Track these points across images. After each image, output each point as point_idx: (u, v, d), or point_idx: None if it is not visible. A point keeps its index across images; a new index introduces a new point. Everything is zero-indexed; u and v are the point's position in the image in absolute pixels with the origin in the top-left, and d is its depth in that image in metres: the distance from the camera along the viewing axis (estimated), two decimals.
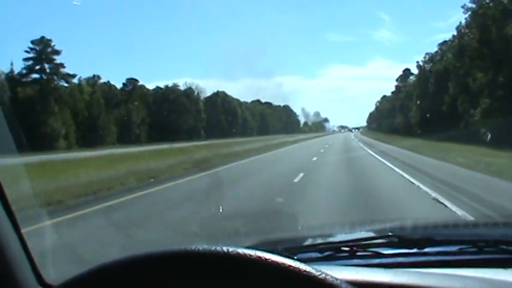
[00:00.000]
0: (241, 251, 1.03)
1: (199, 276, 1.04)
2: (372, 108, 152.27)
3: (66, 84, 62.08)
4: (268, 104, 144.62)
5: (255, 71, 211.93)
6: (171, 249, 1.06)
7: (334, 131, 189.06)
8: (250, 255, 1.02)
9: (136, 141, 73.90)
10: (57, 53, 59.53)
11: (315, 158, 26.46)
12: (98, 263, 1.09)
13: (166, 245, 1.13)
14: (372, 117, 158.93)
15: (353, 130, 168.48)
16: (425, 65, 67.15)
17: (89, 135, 63.02)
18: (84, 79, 74.53)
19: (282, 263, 1.01)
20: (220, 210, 9.52)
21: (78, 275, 1.09)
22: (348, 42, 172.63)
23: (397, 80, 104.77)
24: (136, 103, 75.03)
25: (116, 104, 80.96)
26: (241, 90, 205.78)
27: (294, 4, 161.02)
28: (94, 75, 78.02)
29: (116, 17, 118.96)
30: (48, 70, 58.17)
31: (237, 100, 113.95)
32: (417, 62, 68.67)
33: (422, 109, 64.91)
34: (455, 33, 51.53)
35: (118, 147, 54.70)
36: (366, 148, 38.92)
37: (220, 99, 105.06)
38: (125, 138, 71.98)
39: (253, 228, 7.55)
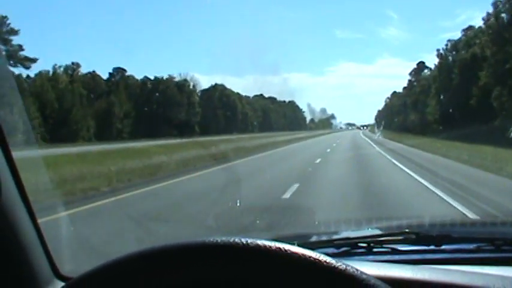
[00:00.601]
0: (260, 242, 1.01)
1: (218, 268, 1.03)
2: (380, 105, 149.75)
3: (23, 69, 52.71)
4: (272, 99, 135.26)
5: (262, 67, 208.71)
6: (189, 241, 1.04)
7: (341, 128, 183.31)
8: (270, 247, 1.00)
9: (118, 137, 65.11)
10: (14, 32, 50.61)
11: (291, 190, 11.55)
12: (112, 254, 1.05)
13: None
14: (380, 115, 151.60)
15: (361, 128, 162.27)
16: (448, 54, 57.47)
17: (59, 130, 54.06)
18: (61, 67, 65.68)
19: (302, 254, 0.99)
20: None
21: (94, 269, 1.06)
22: (356, 39, 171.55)
23: (410, 74, 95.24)
24: (113, 96, 65.65)
25: (99, 95, 72.25)
26: (247, 86, 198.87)
27: (302, 0, 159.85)
28: (73, 63, 69.11)
29: (119, 11, 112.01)
30: (4, 52, 49.38)
31: (237, 94, 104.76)
32: (437, 50, 58.74)
33: (444, 104, 55.54)
34: (461, 29, 42.13)
35: (85, 145, 45.75)
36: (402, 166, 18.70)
37: (218, 92, 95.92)
38: (104, 133, 63.12)
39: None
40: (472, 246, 1.89)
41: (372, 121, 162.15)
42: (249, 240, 1.01)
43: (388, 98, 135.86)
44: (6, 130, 1.41)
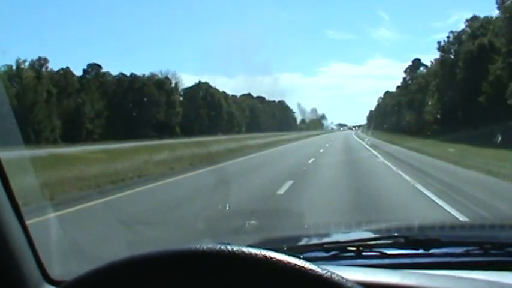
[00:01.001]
0: (246, 250, 1.01)
1: (204, 276, 1.03)
2: (372, 106, 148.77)
3: None
4: (261, 98, 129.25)
5: (253, 67, 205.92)
6: (176, 248, 1.05)
7: (332, 128, 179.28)
8: (256, 255, 1.00)
9: (88, 138, 59.02)
10: None
11: None
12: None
13: None
14: (372, 115, 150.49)
15: (353, 128, 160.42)
16: (450, 47, 51.68)
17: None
18: (25, 61, 59.42)
19: (288, 262, 0.99)
20: None
21: (85, 274, 1.07)
22: (347, 40, 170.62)
23: (405, 71, 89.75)
24: (84, 94, 59.41)
25: (70, 93, 65.99)
26: (238, 86, 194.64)
27: (294, 0, 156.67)
28: (40, 58, 62.75)
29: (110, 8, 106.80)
30: None
31: (223, 93, 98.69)
32: (438, 42, 52.74)
33: (446, 102, 49.78)
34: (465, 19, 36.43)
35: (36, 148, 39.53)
36: None
37: (202, 91, 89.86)
38: (72, 134, 56.94)
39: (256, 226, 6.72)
40: (460, 250, 1.89)
41: (364, 122, 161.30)
42: (235, 248, 1.00)
43: (381, 97, 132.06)
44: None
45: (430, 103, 58.97)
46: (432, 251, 1.85)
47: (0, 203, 1.39)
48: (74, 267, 3.49)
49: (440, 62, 51.43)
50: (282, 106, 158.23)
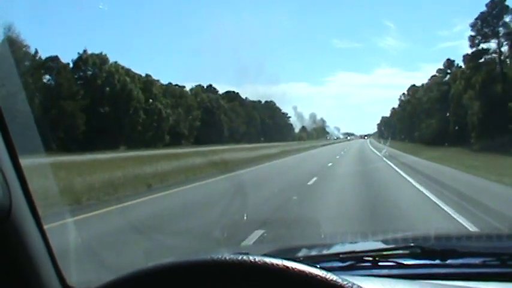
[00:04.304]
0: (268, 260, 1.00)
1: (227, 285, 1.03)
2: (380, 114, 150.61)
3: None
4: (231, 94, 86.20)
5: (259, 77, 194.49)
6: (198, 258, 1.06)
7: (338, 138, 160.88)
8: (277, 265, 1.00)
9: None
10: None
11: None
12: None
13: None
14: (384, 122, 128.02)
15: (365, 137, 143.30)
16: None
17: None
18: None
19: (309, 273, 0.98)
20: None
21: (106, 284, 1.08)
22: (353, 49, 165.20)
23: (473, 28, 45.78)
24: None
25: None
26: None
27: (299, 10, 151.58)
28: None
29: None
30: None
31: (146, 77, 55.79)
32: None
33: None
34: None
35: None
36: None
37: (88, 68, 47.03)
38: None
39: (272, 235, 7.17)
40: (477, 260, 1.83)
41: (372, 130, 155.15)
42: (257, 258, 1.00)
43: (404, 94, 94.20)
44: (14, 137, 1.33)
45: None
46: (449, 261, 1.79)
47: (21, 213, 1.32)
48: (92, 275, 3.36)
49: None
50: (270, 109, 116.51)
